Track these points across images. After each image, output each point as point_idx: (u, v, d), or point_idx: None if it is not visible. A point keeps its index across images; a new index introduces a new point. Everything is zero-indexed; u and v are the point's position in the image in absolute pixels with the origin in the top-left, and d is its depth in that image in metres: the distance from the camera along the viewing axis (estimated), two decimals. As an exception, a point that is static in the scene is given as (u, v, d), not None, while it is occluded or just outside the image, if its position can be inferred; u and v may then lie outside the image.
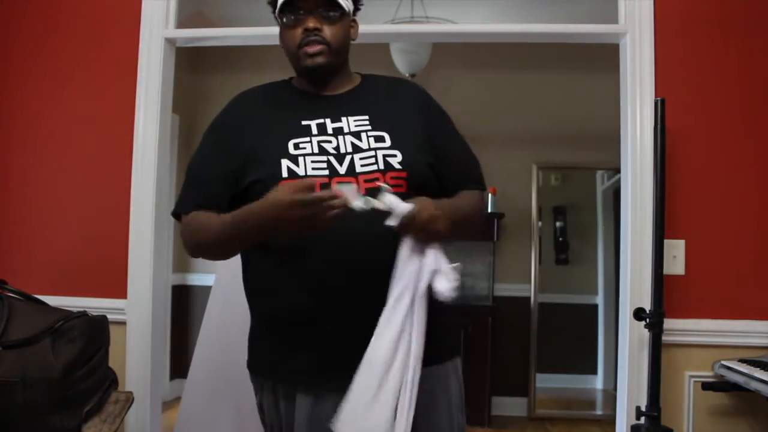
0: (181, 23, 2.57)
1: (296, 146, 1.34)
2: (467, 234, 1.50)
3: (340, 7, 1.38)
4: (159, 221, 2.46)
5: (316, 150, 1.33)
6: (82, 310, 1.38)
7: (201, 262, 4.69)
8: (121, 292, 2.41)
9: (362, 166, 1.31)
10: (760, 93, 2.24)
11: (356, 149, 1.33)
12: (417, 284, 1.20)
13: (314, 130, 1.36)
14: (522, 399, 4.47)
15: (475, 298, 4.51)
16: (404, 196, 1.23)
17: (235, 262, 2.34)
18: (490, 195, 4.34)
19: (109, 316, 1.49)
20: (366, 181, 1.30)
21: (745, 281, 2.20)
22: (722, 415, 2.19)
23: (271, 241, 1.30)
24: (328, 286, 1.28)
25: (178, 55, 2.60)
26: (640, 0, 2.28)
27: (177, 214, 1.42)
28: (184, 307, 4.62)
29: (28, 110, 2.53)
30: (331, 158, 1.32)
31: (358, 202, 1.17)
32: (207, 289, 2.48)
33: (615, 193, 4.63)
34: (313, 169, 1.30)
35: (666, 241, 2.14)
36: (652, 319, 2.08)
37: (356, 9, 1.49)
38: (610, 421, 3.57)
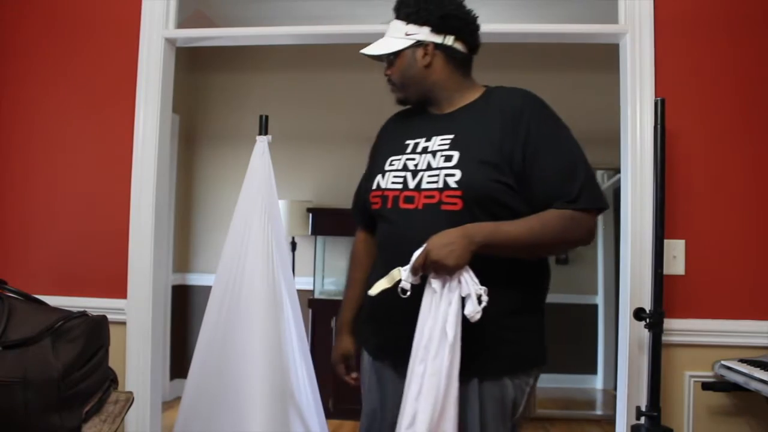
0: (181, 23, 2.57)
1: (390, 163, 1.55)
2: (549, 251, 1.52)
3: (387, 52, 1.55)
4: (159, 221, 2.46)
5: (401, 167, 1.52)
6: (82, 310, 1.38)
7: (201, 262, 4.69)
8: (121, 292, 2.42)
9: (427, 183, 1.45)
10: (759, 93, 2.24)
11: (428, 167, 1.47)
12: (447, 311, 1.33)
13: (409, 149, 1.54)
14: (522, 399, 4.47)
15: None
16: (460, 214, 1.39)
17: (235, 264, 2.35)
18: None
19: (109, 316, 1.49)
20: (426, 197, 1.44)
21: (745, 281, 2.21)
22: (722, 415, 2.19)
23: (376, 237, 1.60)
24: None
25: (178, 55, 2.60)
26: (640, 0, 2.28)
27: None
28: (184, 307, 4.62)
29: (28, 110, 2.53)
30: (408, 174, 1.49)
31: (405, 284, 1.35)
32: (207, 289, 2.47)
33: (615, 193, 4.62)
34: (392, 183, 1.51)
35: (666, 241, 2.14)
36: (652, 319, 2.08)
37: (442, 28, 1.53)
38: (610, 421, 3.57)
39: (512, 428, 1.46)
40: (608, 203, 1.46)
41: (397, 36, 1.53)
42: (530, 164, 1.41)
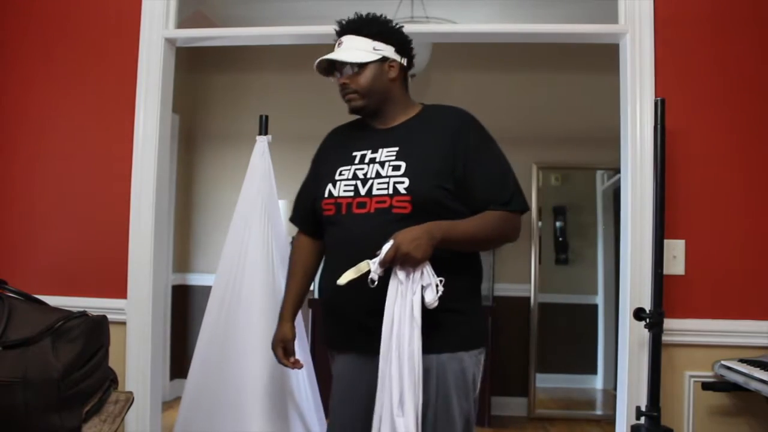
0: (181, 23, 2.57)
1: (340, 173, 1.69)
2: (488, 246, 1.74)
3: (361, 61, 1.65)
4: (159, 221, 2.46)
5: (350, 176, 1.67)
6: (82, 310, 1.38)
7: (201, 262, 4.70)
8: (121, 292, 2.42)
9: (377, 190, 1.61)
10: (759, 93, 2.24)
11: (377, 176, 1.63)
12: (411, 299, 1.48)
13: (356, 160, 1.69)
14: (522, 399, 4.47)
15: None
16: (409, 216, 1.56)
17: (235, 264, 2.35)
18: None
19: (109, 316, 1.49)
20: (378, 202, 1.60)
21: (745, 281, 2.20)
22: (722, 415, 2.19)
23: (326, 241, 1.74)
24: (336, 282, 1.56)
25: (178, 55, 2.60)
26: (640, 0, 2.28)
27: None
28: (184, 307, 4.62)
29: (28, 110, 2.53)
30: (358, 183, 1.64)
31: (374, 275, 1.48)
32: (207, 289, 2.48)
33: (615, 193, 4.63)
34: (344, 191, 1.66)
35: (666, 241, 2.14)
36: (652, 319, 2.08)
37: (401, 50, 1.71)
38: (610, 421, 3.57)
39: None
40: (529, 206, 1.71)
41: (365, 49, 1.66)
42: (470, 172, 1.62)
